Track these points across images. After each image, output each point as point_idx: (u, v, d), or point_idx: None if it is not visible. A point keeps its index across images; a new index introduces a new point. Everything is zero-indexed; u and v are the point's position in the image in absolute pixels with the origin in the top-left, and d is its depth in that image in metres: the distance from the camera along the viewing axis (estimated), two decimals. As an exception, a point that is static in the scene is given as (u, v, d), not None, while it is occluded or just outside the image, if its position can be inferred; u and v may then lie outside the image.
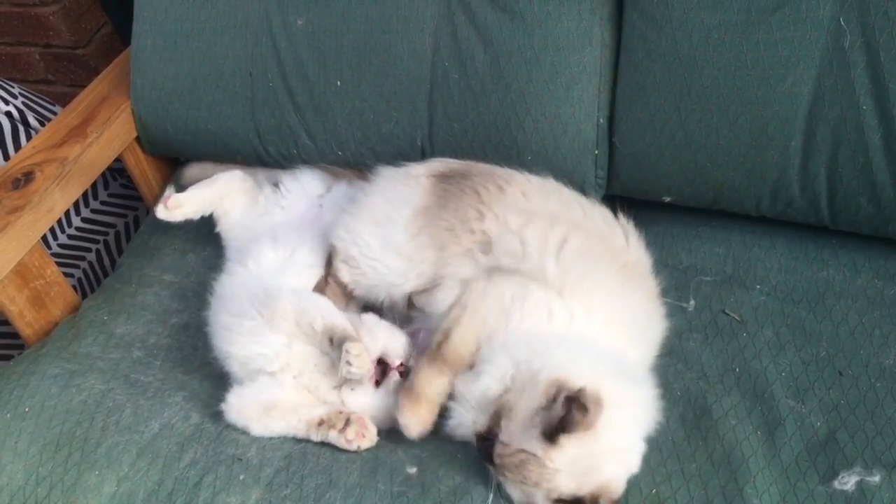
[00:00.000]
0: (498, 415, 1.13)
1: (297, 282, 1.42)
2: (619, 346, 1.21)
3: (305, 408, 1.28)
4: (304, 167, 1.64)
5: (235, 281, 1.43)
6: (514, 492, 1.12)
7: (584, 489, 1.09)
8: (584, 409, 1.05)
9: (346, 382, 1.29)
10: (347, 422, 1.25)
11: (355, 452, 1.25)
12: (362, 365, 1.24)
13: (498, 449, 1.11)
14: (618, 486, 1.10)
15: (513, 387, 1.14)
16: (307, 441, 1.28)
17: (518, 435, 1.10)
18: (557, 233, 1.27)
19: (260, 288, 1.37)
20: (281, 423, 1.28)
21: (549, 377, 1.11)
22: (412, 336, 1.37)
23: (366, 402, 1.30)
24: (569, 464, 1.07)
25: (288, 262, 1.45)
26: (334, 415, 1.26)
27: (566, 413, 1.05)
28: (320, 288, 1.43)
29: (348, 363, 1.23)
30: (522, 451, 1.09)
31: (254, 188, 1.65)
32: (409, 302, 1.39)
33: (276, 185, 1.64)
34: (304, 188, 1.61)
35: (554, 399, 1.08)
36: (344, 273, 1.40)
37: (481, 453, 1.15)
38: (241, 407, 1.30)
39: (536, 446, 1.08)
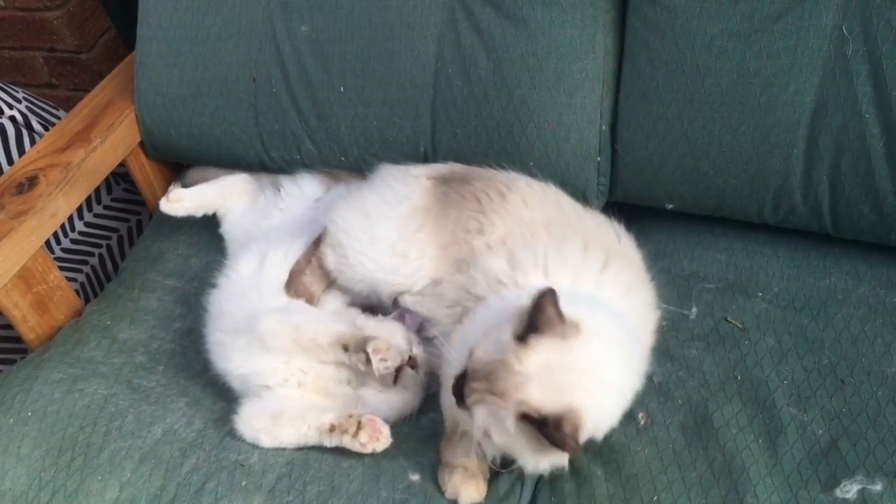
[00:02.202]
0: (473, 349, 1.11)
1: (274, 288, 1.41)
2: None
3: (314, 414, 1.28)
4: (306, 171, 1.65)
5: (221, 295, 1.43)
6: (479, 413, 1.06)
7: (550, 406, 1.02)
8: (557, 313, 1.04)
9: (379, 379, 1.29)
10: (359, 425, 1.24)
11: (369, 455, 1.25)
12: (394, 357, 1.25)
13: (469, 365, 1.08)
14: (584, 416, 1.03)
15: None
16: (312, 448, 1.28)
17: (491, 348, 1.07)
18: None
19: (241, 308, 1.37)
20: (291, 432, 1.27)
21: (535, 289, 1.07)
22: (399, 321, 1.38)
23: (382, 397, 1.31)
24: (539, 370, 1.03)
25: (261, 269, 1.44)
26: (345, 419, 1.25)
27: (540, 313, 1.04)
28: (299, 269, 1.42)
29: (383, 360, 1.24)
30: (493, 361, 1.06)
31: (256, 190, 1.66)
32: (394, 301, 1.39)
33: (276, 188, 1.64)
34: (302, 191, 1.62)
35: (536, 303, 1.05)
36: (330, 259, 1.40)
37: (454, 391, 1.11)
38: (251, 418, 1.30)
39: (508, 350, 1.05)
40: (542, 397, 1.02)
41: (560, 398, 1.03)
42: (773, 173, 1.37)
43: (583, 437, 1.04)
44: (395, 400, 1.31)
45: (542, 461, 1.10)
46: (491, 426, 1.06)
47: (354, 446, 1.24)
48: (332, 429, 1.25)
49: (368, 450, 1.24)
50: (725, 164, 1.39)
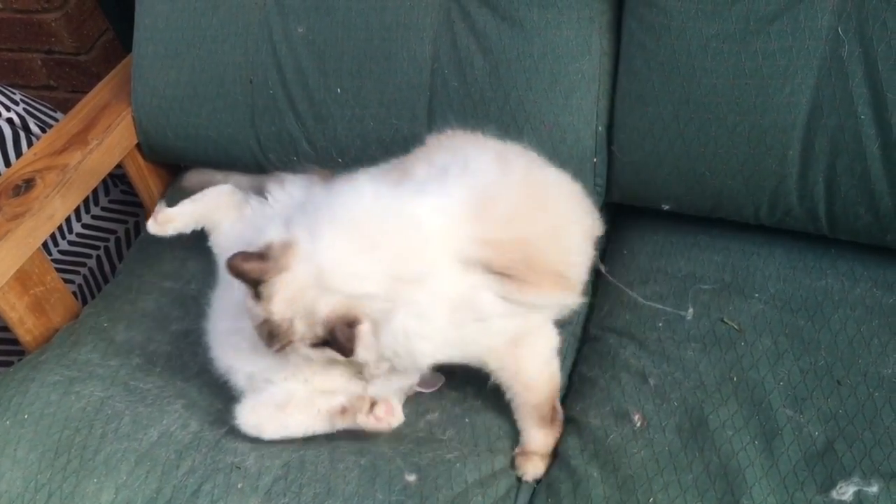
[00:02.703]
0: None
1: None
2: None
3: (323, 398, 1.27)
4: (292, 174, 1.63)
5: (227, 293, 1.40)
6: (294, 356, 1.17)
7: (324, 326, 1.10)
8: (256, 260, 1.10)
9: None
10: (373, 403, 1.24)
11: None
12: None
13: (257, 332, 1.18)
14: (350, 307, 1.10)
15: None
16: (306, 448, 1.27)
17: (252, 314, 1.16)
18: None
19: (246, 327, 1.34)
20: (300, 418, 1.26)
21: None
22: None
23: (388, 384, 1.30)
24: (289, 308, 1.11)
25: None
26: (356, 400, 1.25)
27: (241, 276, 1.12)
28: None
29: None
30: (260, 324, 1.15)
31: (242, 200, 1.63)
32: None
33: (263, 195, 1.62)
34: (290, 197, 1.60)
35: (230, 272, 1.13)
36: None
37: None
38: (255, 407, 1.28)
39: (260, 312, 1.13)
40: (308, 327, 1.11)
41: (318, 316, 1.10)
42: (769, 175, 1.37)
43: (364, 318, 1.10)
44: (398, 381, 1.31)
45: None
46: (311, 358, 1.16)
47: (369, 423, 1.23)
48: (344, 411, 1.25)
49: (384, 424, 1.23)
50: (721, 165, 1.39)
